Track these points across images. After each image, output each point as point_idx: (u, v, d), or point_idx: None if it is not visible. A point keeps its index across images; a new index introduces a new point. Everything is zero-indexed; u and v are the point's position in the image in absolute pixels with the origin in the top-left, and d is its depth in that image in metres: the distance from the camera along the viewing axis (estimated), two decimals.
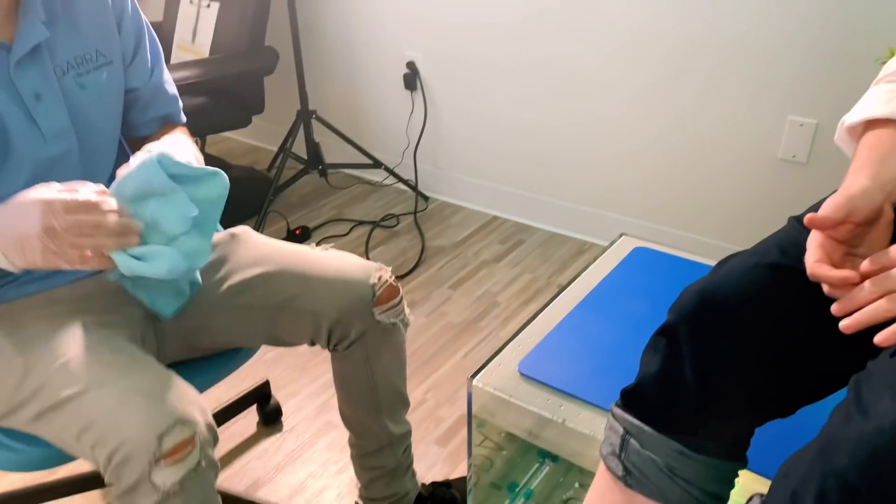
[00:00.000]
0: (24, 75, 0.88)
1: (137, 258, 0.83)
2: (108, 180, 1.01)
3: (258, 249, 1.06)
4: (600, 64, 2.00)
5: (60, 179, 0.84)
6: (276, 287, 1.02)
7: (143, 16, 1.05)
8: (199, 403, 0.87)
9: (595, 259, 1.31)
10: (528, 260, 2.15)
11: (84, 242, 0.80)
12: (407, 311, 1.10)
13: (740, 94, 1.83)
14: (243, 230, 1.11)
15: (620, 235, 1.40)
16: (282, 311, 1.02)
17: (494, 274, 2.08)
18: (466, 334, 1.82)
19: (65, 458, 0.95)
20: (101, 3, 0.96)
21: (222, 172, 0.89)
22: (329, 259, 1.06)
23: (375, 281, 1.03)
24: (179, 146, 0.95)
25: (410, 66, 2.34)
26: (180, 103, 1.12)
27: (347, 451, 1.45)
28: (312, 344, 1.06)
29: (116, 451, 0.80)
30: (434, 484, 1.27)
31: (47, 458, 0.94)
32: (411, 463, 1.21)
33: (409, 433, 1.18)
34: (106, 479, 0.84)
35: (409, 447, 1.19)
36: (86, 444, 0.83)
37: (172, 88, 1.10)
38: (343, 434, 1.51)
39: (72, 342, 0.88)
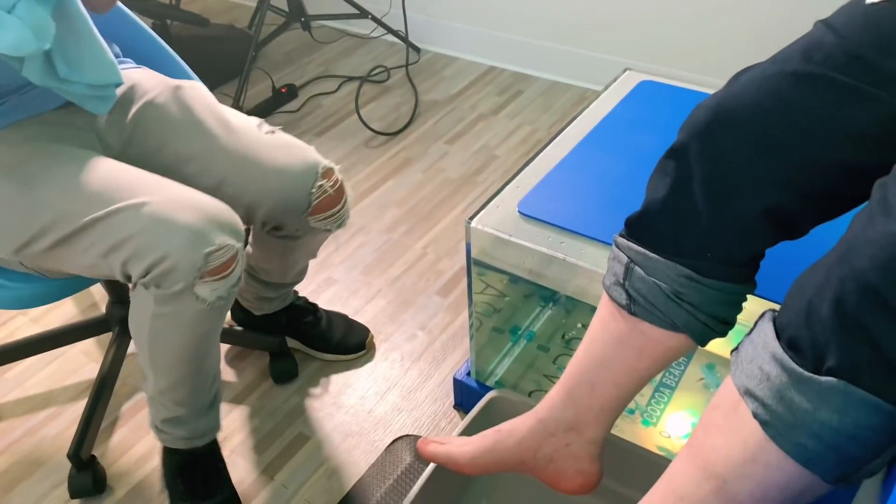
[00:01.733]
0: None
1: None
2: None
3: (203, 115, 0.99)
4: None
5: None
6: (214, 167, 0.97)
7: None
8: (234, 217, 0.88)
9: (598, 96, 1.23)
10: (527, 111, 2.06)
11: None
12: (349, 210, 1.06)
13: None
14: (191, 85, 1.04)
15: (625, 70, 1.31)
16: (217, 192, 0.97)
17: (492, 127, 2.00)
18: (465, 189, 1.77)
19: (57, 294, 0.99)
20: None
21: None
22: (272, 149, 0.99)
23: (314, 190, 0.98)
24: None
25: None
26: None
27: (350, 305, 1.46)
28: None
29: (158, 263, 0.82)
30: (305, 302, 1.35)
31: (40, 295, 0.96)
32: (288, 296, 1.31)
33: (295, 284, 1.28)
34: (137, 286, 0.86)
35: (291, 291, 1.30)
36: (115, 260, 0.84)
37: None
38: (343, 288, 1.51)
39: (73, 168, 0.87)
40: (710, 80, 1.90)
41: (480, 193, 1.76)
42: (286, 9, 2.30)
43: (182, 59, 1.19)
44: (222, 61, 2.24)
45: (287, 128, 2.06)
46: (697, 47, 1.91)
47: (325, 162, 1.02)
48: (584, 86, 2.14)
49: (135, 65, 1.05)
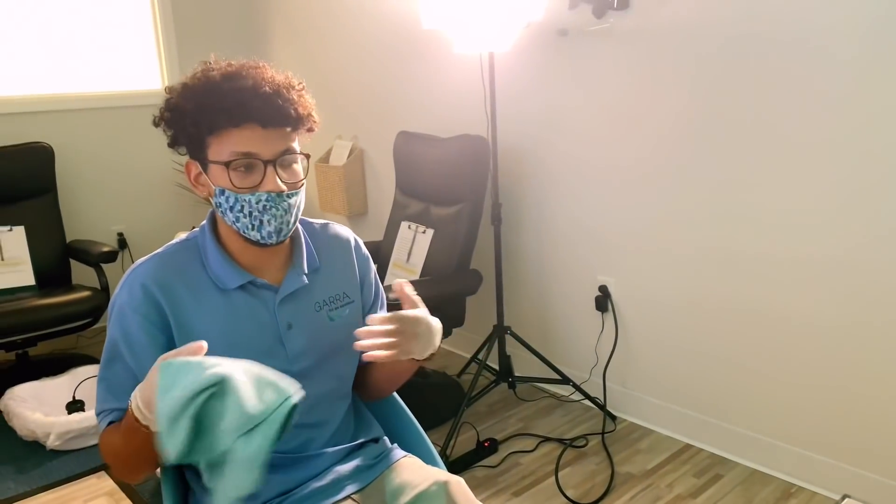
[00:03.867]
0: (283, 309, 1.14)
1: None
2: (337, 400, 1.20)
3: None
4: (806, 304, 1.98)
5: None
6: None
7: (380, 284, 1.30)
8: None
9: None
10: (727, 499, 2.02)
11: None
12: None
13: None
14: (457, 481, 1.16)
15: (843, 498, 1.31)
16: None
17: None
18: None
19: None
20: (350, 261, 1.25)
21: (288, 405, 0.90)
22: None
23: None
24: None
25: (602, 289, 2.47)
26: None
27: None
28: None
29: None
30: None
31: None
32: None
33: None
34: None
35: None
36: None
37: None
38: None
39: None
40: None
41: None
42: (496, 367, 2.60)
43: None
44: (436, 407, 2.52)
45: (486, 483, 2.19)
46: None
47: None
48: (788, 479, 2.08)
49: (402, 452, 1.26)
